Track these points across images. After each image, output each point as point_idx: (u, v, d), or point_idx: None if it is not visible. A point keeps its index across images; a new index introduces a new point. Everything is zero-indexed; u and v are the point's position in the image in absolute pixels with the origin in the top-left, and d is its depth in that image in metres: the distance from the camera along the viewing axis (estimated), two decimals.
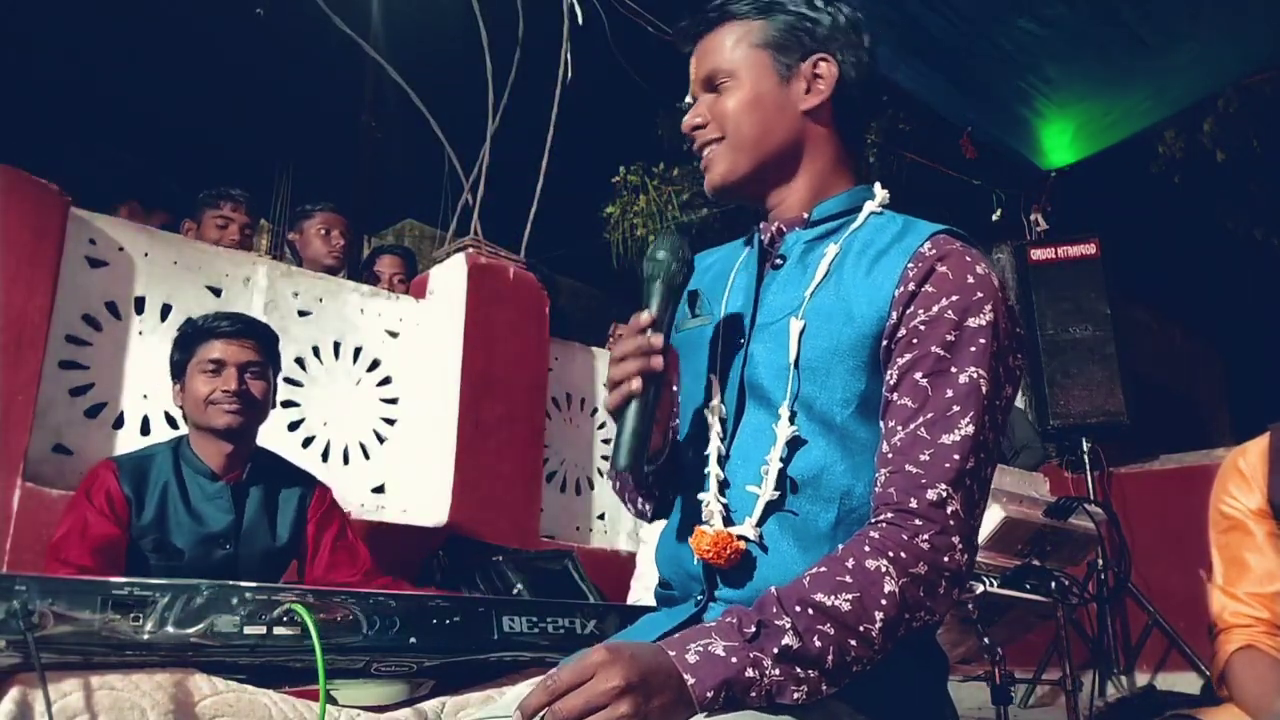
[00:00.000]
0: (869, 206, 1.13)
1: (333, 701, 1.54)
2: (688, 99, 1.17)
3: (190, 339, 2.13)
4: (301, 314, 3.04)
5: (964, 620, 2.46)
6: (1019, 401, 6.72)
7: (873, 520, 0.98)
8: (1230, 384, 9.34)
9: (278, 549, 2.14)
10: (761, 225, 1.18)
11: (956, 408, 0.97)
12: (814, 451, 1.03)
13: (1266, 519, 1.40)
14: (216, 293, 2.86)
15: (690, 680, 0.87)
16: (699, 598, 1.08)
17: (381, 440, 3.17)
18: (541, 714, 0.85)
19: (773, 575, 1.01)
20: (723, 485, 1.08)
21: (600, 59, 4.17)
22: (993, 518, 2.60)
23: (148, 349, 2.70)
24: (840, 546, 0.97)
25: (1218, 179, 6.84)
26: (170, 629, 1.36)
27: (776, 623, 0.90)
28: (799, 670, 0.90)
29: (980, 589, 2.50)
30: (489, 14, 3.61)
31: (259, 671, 1.46)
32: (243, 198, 3.54)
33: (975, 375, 0.98)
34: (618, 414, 1.03)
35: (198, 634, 1.37)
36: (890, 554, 0.93)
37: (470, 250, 3.36)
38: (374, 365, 3.20)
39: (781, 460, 1.03)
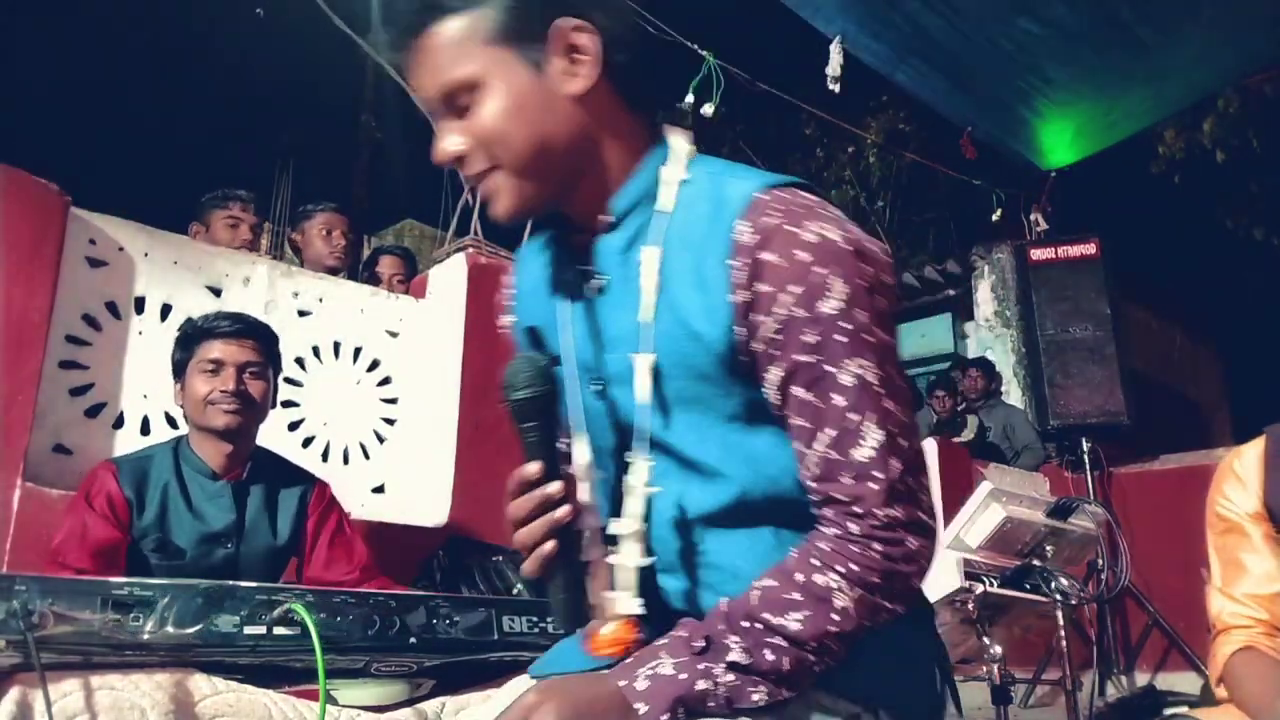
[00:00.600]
0: (669, 178, 0.95)
1: (333, 701, 1.54)
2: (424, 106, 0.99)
3: (190, 339, 2.13)
4: (301, 314, 3.04)
5: (964, 620, 2.46)
6: (1019, 402, 6.72)
7: (820, 528, 0.90)
8: (1230, 384, 9.34)
9: (279, 548, 2.14)
10: (565, 236, 1.02)
11: (854, 416, 0.87)
12: (727, 481, 0.93)
13: (1263, 521, 1.40)
14: (216, 293, 2.86)
15: (641, 708, 0.83)
16: None
17: (381, 440, 3.17)
18: None
19: (689, 606, 0.95)
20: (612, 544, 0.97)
21: None
22: (993, 518, 2.61)
23: (148, 349, 2.70)
24: (791, 555, 0.90)
25: (1218, 179, 6.85)
26: (170, 629, 1.36)
27: (724, 641, 0.86)
28: (756, 683, 0.86)
29: (980, 589, 2.50)
30: None
31: (259, 671, 1.46)
32: (250, 198, 3.55)
33: (857, 370, 0.87)
34: (539, 582, 0.93)
35: (198, 634, 1.37)
36: (839, 568, 0.87)
37: (470, 250, 3.36)
38: (374, 365, 3.20)
39: (661, 495, 0.94)
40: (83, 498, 1.97)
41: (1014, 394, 6.88)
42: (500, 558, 2.78)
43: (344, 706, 1.55)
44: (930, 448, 5.01)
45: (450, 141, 0.94)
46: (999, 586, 2.57)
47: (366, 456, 3.12)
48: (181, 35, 5.90)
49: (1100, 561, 4.63)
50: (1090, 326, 5.20)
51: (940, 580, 2.60)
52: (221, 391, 2.05)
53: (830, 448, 0.88)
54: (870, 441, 0.87)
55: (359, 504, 3.01)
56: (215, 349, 2.09)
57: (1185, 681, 4.65)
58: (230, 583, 1.45)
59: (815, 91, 4.84)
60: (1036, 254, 5.43)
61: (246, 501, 2.11)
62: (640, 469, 0.94)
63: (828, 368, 0.87)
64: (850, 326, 0.86)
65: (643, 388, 0.93)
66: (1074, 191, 5.98)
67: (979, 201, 6.21)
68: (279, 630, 1.43)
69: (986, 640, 2.41)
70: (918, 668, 0.99)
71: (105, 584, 1.36)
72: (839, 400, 0.87)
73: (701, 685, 0.85)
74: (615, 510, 0.97)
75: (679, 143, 0.98)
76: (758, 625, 0.86)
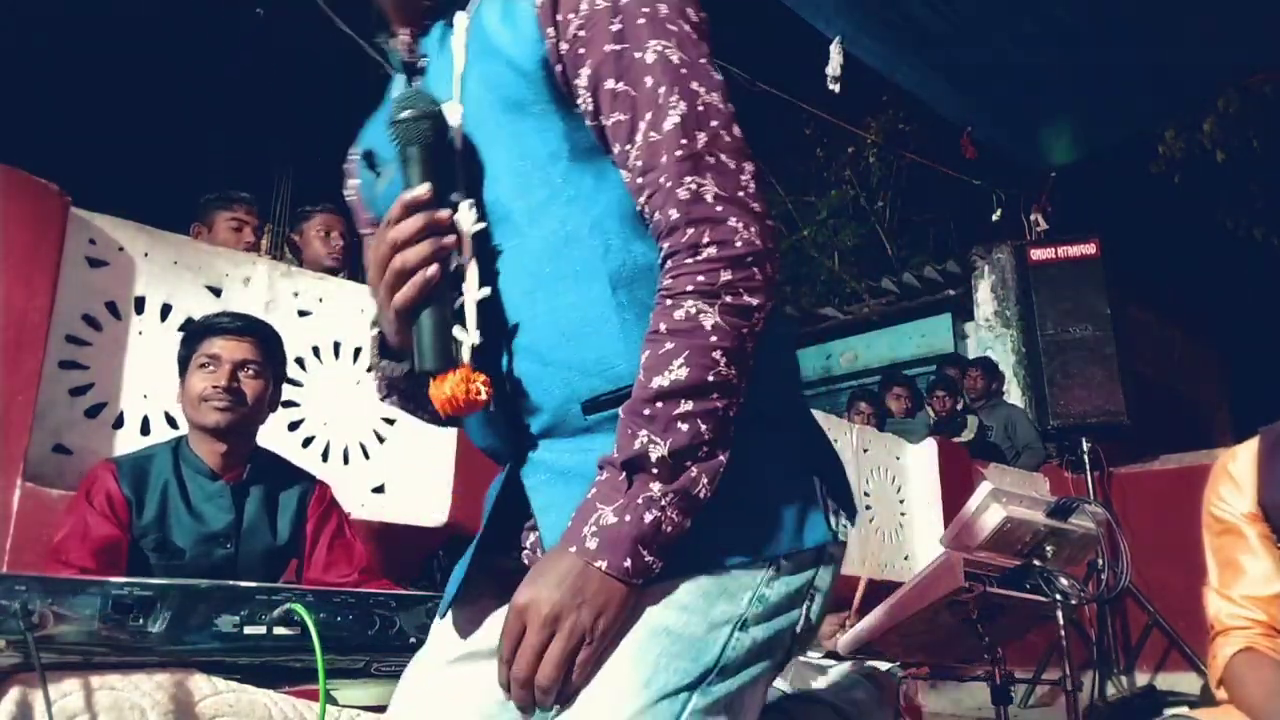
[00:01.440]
0: None
1: (333, 701, 1.55)
2: None
3: (193, 336, 2.13)
4: (301, 314, 3.04)
5: (964, 620, 2.46)
6: (1019, 401, 6.72)
7: (660, 264, 0.87)
8: (1230, 384, 9.35)
9: (278, 548, 2.14)
10: (392, 44, 1.04)
11: (661, 90, 0.86)
12: (545, 222, 0.91)
13: (1259, 522, 1.40)
14: (216, 293, 2.86)
15: (603, 565, 0.81)
16: (511, 448, 1.00)
17: (381, 440, 3.17)
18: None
19: (541, 376, 0.91)
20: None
21: None
22: (993, 518, 2.61)
23: (148, 349, 2.70)
24: (652, 319, 0.85)
25: (1218, 179, 6.85)
26: (170, 629, 1.36)
27: (637, 446, 0.82)
28: (691, 469, 0.82)
29: (980, 589, 2.50)
30: None
31: (259, 671, 1.46)
32: (253, 200, 3.56)
33: (660, 48, 0.87)
34: (413, 310, 0.90)
35: (198, 634, 1.38)
36: (689, 288, 0.83)
37: None
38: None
39: (491, 250, 0.92)
40: (83, 497, 1.97)
41: (1014, 394, 6.88)
42: None
43: (344, 706, 1.55)
44: (930, 448, 5.01)
45: None
46: (999, 586, 2.57)
47: (366, 456, 3.12)
48: (182, 35, 5.90)
49: (1100, 561, 4.63)
50: (1090, 326, 5.21)
51: (940, 580, 2.60)
52: (214, 388, 2.05)
53: (642, 131, 0.86)
54: (677, 113, 0.85)
55: (359, 504, 3.01)
56: (214, 345, 2.09)
57: (1185, 681, 4.65)
58: (230, 583, 1.45)
59: (815, 91, 4.84)
60: (1036, 254, 5.43)
61: (245, 502, 2.10)
62: (465, 212, 0.91)
63: (634, 53, 0.87)
64: (649, 10, 0.88)
65: (456, 132, 0.92)
66: (1074, 191, 5.99)
67: (979, 201, 6.22)
68: (279, 630, 1.43)
69: (987, 640, 2.41)
70: (795, 490, 0.92)
71: (105, 584, 1.36)
72: (647, 81, 0.86)
73: (649, 516, 0.81)
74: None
75: None
76: (656, 403, 0.82)
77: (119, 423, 2.63)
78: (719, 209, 0.84)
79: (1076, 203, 6.05)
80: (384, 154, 1.02)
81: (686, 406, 0.82)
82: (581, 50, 0.88)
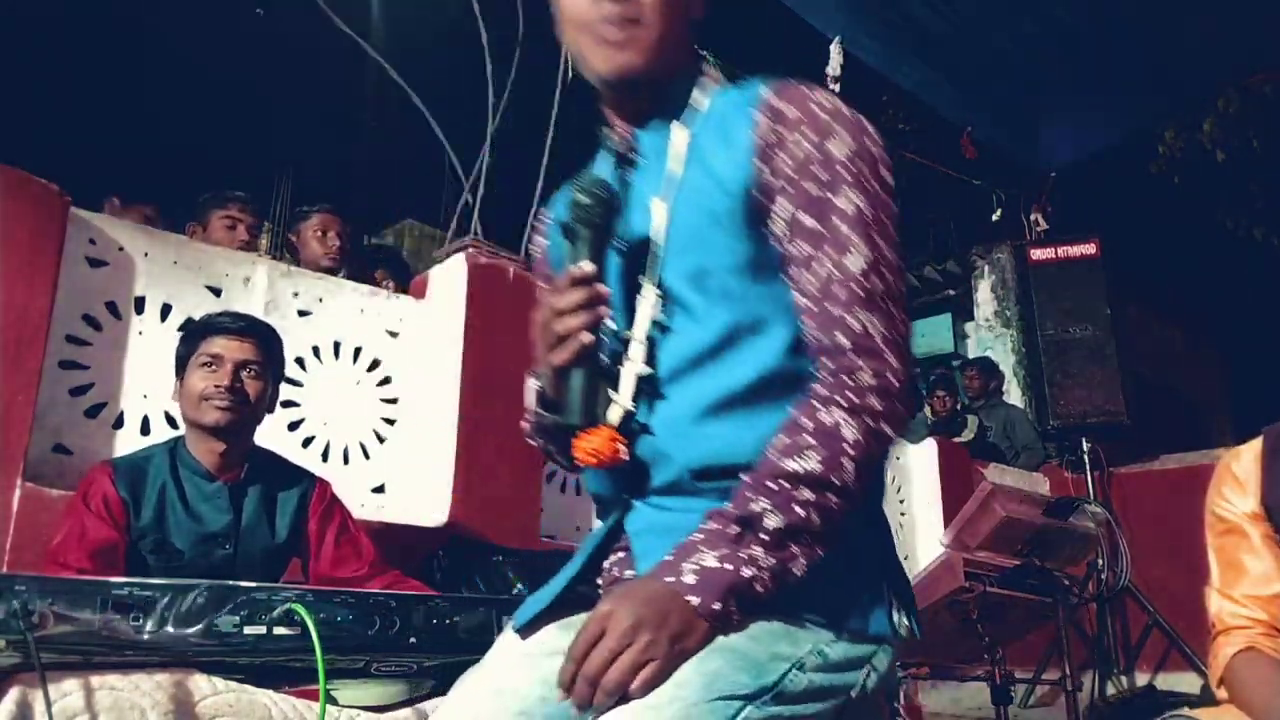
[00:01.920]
0: (708, 86, 1.12)
1: (333, 701, 1.54)
2: None
3: (193, 334, 2.13)
4: (301, 314, 3.04)
5: (964, 620, 2.46)
6: (1019, 401, 6.72)
7: (813, 372, 0.99)
8: (1230, 384, 9.35)
9: (278, 548, 2.13)
10: (607, 132, 1.17)
11: (849, 235, 0.99)
12: (713, 321, 1.03)
13: (1261, 522, 1.40)
14: (216, 293, 2.86)
15: (694, 601, 0.90)
16: (621, 498, 1.09)
17: (381, 440, 3.17)
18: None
19: (671, 445, 1.02)
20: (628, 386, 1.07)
21: None
22: (993, 518, 2.61)
23: (148, 349, 2.69)
24: (790, 410, 0.97)
25: (1218, 179, 6.84)
26: (170, 629, 1.36)
27: (754, 508, 0.92)
28: (796, 548, 0.93)
29: (980, 589, 2.50)
30: (489, 14, 3.61)
31: (259, 671, 1.46)
32: (247, 199, 3.55)
33: (856, 200, 0.99)
34: (567, 369, 1.02)
35: (198, 634, 1.38)
36: (840, 401, 0.95)
37: (470, 250, 3.36)
38: (374, 365, 3.20)
39: (660, 332, 1.04)
40: (80, 499, 1.97)
41: (1014, 394, 6.88)
42: (500, 558, 2.78)
43: (344, 706, 1.55)
44: (930, 448, 5.00)
45: None
46: (999, 586, 2.57)
47: (366, 456, 3.12)
48: (182, 35, 5.89)
49: (1100, 561, 4.64)
50: (1090, 326, 5.20)
51: (940, 580, 2.60)
52: (216, 387, 2.04)
53: (824, 265, 0.99)
54: (860, 257, 0.98)
55: (359, 504, 3.01)
56: (215, 344, 2.09)
57: (1185, 681, 4.65)
58: (230, 583, 1.45)
59: None
60: (1036, 254, 5.43)
61: (244, 503, 2.10)
62: (649, 295, 1.05)
63: (832, 198, 0.99)
64: (852, 167, 1.00)
65: (659, 227, 1.05)
66: (1074, 191, 5.99)
67: (979, 201, 6.21)
68: (279, 630, 1.43)
69: (987, 640, 2.41)
70: (871, 587, 1.03)
71: (105, 584, 1.36)
72: (838, 224, 0.99)
73: (746, 572, 0.91)
74: (617, 342, 1.08)
75: (713, 71, 1.14)
76: (782, 480, 0.93)
77: (119, 423, 2.63)
78: (881, 347, 0.97)
79: (1076, 203, 6.05)
80: None
81: (808, 495, 0.93)
82: (786, 185, 1.01)
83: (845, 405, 0.95)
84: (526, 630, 1.09)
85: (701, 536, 0.93)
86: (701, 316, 1.04)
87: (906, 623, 1.06)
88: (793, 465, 0.93)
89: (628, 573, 1.07)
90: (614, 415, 1.04)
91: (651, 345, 1.05)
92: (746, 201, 1.02)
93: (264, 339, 2.17)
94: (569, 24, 1.10)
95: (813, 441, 0.94)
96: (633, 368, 1.05)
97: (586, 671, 0.88)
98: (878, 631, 1.00)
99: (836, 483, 0.93)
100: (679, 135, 1.08)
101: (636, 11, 1.05)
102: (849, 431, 0.94)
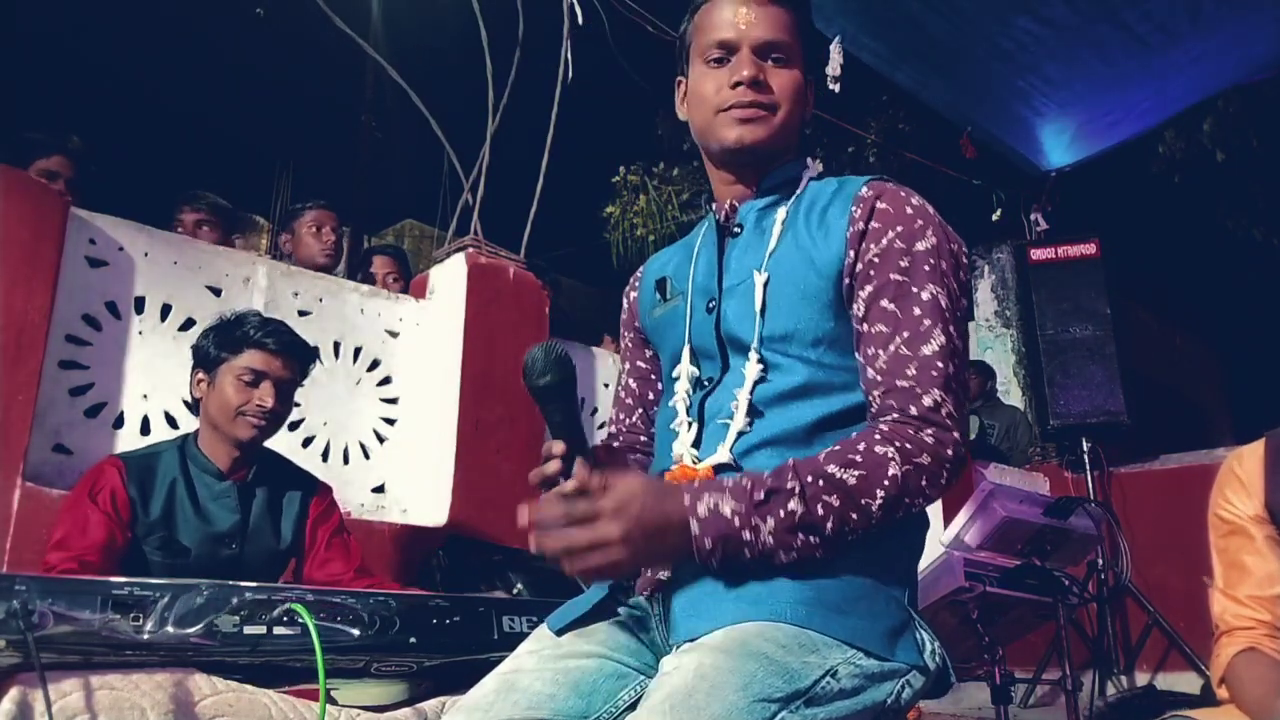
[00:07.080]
0: (807, 175, 1.26)
1: (333, 701, 1.54)
2: (729, 38, 1.22)
3: (234, 340, 2.09)
4: (301, 314, 3.04)
5: (964, 620, 2.46)
6: (1019, 401, 6.72)
7: (879, 418, 1.08)
8: (1230, 384, 9.35)
9: (280, 549, 2.14)
10: (714, 205, 1.29)
11: (927, 322, 1.09)
12: (788, 381, 1.13)
13: (1265, 523, 1.41)
14: (216, 293, 2.86)
15: (695, 530, 0.99)
16: None
17: (381, 440, 3.17)
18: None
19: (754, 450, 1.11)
20: (698, 435, 1.17)
21: (600, 59, 4.17)
22: (993, 518, 2.61)
23: (148, 349, 2.69)
24: (855, 433, 1.07)
25: (1218, 179, 6.83)
26: (170, 629, 1.36)
27: (787, 487, 1.00)
28: (798, 537, 1.00)
29: (980, 589, 2.50)
30: (489, 14, 3.61)
31: (259, 671, 1.46)
32: (215, 199, 3.56)
33: (934, 292, 1.10)
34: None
35: (198, 634, 1.37)
36: (897, 444, 1.04)
37: (470, 250, 3.36)
38: (374, 365, 3.20)
39: (751, 392, 1.13)
40: (86, 493, 1.96)
41: (1014, 394, 6.88)
42: (500, 558, 2.78)
43: (344, 706, 1.55)
44: None
45: (760, 72, 1.21)
46: (999, 586, 2.57)
47: (366, 456, 3.12)
48: (182, 35, 5.89)
49: (1100, 561, 4.63)
50: (1090, 326, 5.20)
51: (940, 580, 2.60)
52: (258, 405, 2.05)
53: (901, 345, 1.09)
54: (936, 343, 1.08)
55: (359, 504, 3.01)
56: (259, 360, 2.07)
57: (1185, 681, 4.65)
58: (230, 583, 1.45)
59: (815, 91, 4.83)
60: (1036, 254, 5.42)
61: (251, 503, 2.11)
62: (752, 363, 1.14)
63: (913, 287, 1.10)
64: (934, 262, 1.12)
65: (759, 297, 1.16)
66: (1074, 191, 5.98)
67: (979, 201, 6.20)
68: (279, 630, 1.43)
69: (987, 640, 2.41)
70: (898, 613, 1.09)
71: (105, 584, 1.36)
72: (916, 311, 1.10)
73: (746, 535, 0.99)
74: (701, 407, 1.18)
75: (815, 163, 1.29)
76: (820, 479, 1.01)
77: (119, 423, 2.63)
78: (949, 422, 1.07)
79: (1076, 203, 6.04)
80: (676, 285, 1.29)
81: (834, 501, 1.01)
82: (872, 272, 1.12)
83: (899, 449, 1.03)
84: (562, 633, 1.16)
85: (731, 484, 1.02)
86: (785, 370, 1.14)
87: (939, 657, 1.10)
88: (833, 470, 1.01)
89: (662, 573, 1.13)
90: (720, 455, 1.12)
91: (750, 405, 1.13)
92: (836, 283, 1.14)
93: (300, 359, 2.16)
94: (708, 105, 1.23)
95: (859, 460, 1.02)
96: (735, 426, 1.12)
97: (567, 541, 0.98)
98: (907, 660, 1.05)
99: (862, 503, 1.01)
100: (781, 214, 1.21)
101: (772, 101, 1.21)
102: (894, 469, 1.02)
